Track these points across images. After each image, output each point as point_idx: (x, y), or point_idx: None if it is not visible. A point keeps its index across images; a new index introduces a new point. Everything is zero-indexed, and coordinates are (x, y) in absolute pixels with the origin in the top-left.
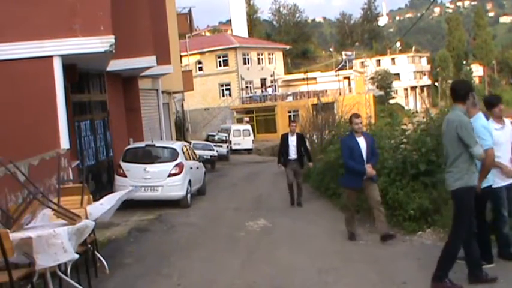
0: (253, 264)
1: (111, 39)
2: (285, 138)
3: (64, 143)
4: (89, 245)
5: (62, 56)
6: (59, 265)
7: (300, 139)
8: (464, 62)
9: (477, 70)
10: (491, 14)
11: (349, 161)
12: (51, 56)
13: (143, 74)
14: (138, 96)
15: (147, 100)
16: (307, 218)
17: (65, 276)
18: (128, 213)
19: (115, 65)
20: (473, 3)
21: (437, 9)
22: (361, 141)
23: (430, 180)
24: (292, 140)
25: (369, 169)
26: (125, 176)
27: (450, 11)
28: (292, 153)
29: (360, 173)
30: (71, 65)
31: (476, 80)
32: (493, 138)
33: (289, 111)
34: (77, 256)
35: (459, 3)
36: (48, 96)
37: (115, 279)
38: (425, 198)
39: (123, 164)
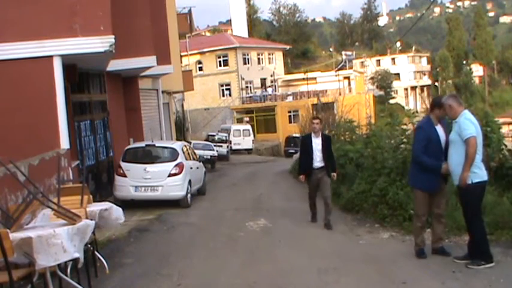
0: (253, 264)
1: (111, 39)
2: (307, 141)
3: (64, 143)
4: (89, 245)
5: (62, 56)
6: (58, 265)
7: (327, 141)
8: (464, 62)
9: (477, 70)
10: (491, 14)
11: (423, 156)
12: (51, 56)
13: (143, 74)
14: (138, 96)
15: (147, 100)
16: (307, 218)
17: (65, 276)
18: (128, 213)
19: (115, 65)
20: (473, 3)
21: (437, 9)
22: (440, 131)
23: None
24: (317, 143)
25: (446, 166)
26: (125, 176)
27: (450, 11)
28: (317, 160)
29: (437, 172)
30: (71, 65)
31: (476, 80)
32: (476, 129)
33: (289, 111)
34: (77, 256)
35: (459, 3)
36: (48, 96)
37: (115, 279)
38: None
39: (123, 164)
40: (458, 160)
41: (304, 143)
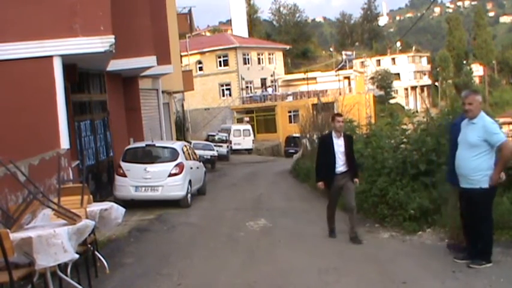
0: (253, 264)
1: (111, 39)
2: (327, 141)
3: (64, 142)
4: (89, 245)
5: (62, 56)
6: (59, 265)
7: (350, 142)
8: (465, 62)
9: (477, 70)
10: (491, 13)
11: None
12: (51, 56)
13: (143, 74)
14: (138, 96)
15: (147, 100)
16: (307, 218)
17: (65, 276)
18: (128, 213)
19: (115, 64)
20: (473, 3)
21: (437, 9)
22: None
23: (430, 180)
24: (339, 144)
25: None
26: (125, 175)
27: (450, 10)
28: (340, 164)
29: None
30: (71, 64)
31: (477, 80)
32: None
33: (290, 111)
34: (77, 256)
35: (459, 3)
36: (48, 96)
37: (115, 279)
38: (425, 198)
39: (123, 164)
40: (477, 165)
41: (324, 144)
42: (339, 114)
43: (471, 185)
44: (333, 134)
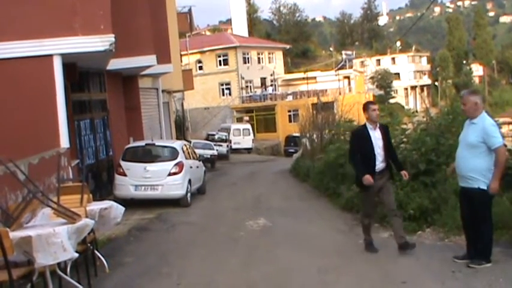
0: (253, 264)
1: (111, 38)
2: (363, 134)
3: (64, 141)
4: (89, 244)
5: (62, 55)
6: (58, 264)
7: (387, 133)
8: (464, 62)
9: (477, 70)
10: (491, 13)
11: None
12: (51, 55)
13: (143, 73)
14: (138, 95)
15: (147, 99)
16: (307, 218)
17: (64, 275)
18: (128, 212)
19: (115, 63)
20: (473, 2)
21: (437, 9)
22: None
23: (430, 179)
24: (377, 137)
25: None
26: (124, 175)
27: (450, 10)
28: (380, 160)
29: None
30: (71, 63)
31: (476, 80)
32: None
33: (289, 111)
34: (76, 255)
35: (459, 3)
36: (48, 95)
37: (115, 278)
38: (425, 198)
39: (123, 163)
40: (475, 165)
41: (361, 138)
42: (372, 102)
43: (469, 184)
44: (368, 125)
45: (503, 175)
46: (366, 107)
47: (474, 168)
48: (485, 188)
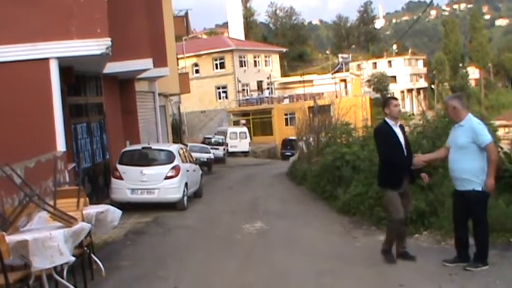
0: (250, 267)
1: (107, 41)
2: (389, 131)
3: (60, 145)
4: (85, 248)
5: (59, 59)
6: (55, 267)
7: (404, 131)
8: (461, 65)
9: (473, 73)
10: (487, 16)
11: None
12: (47, 59)
13: (140, 76)
14: (134, 99)
15: (143, 102)
16: (304, 221)
17: (61, 279)
18: (124, 215)
19: (112, 67)
20: (469, 6)
21: (433, 12)
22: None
23: (427, 182)
24: (400, 136)
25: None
26: (121, 178)
27: (446, 13)
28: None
29: None
30: (67, 67)
31: (473, 83)
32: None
33: (286, 114)
34: (73, 259)
35: (455, 6)
36: (45, 98)
37: (111, 281)
38: (422, 201)
39: (119, 167)
40: (468, 166)
41: (388, 135)
42: (394, 97)
43: (464, 187)
44: (389, 121)
45: (499, 178)
46: (387, 102)
47: (467, 169)
48: (480, 189)
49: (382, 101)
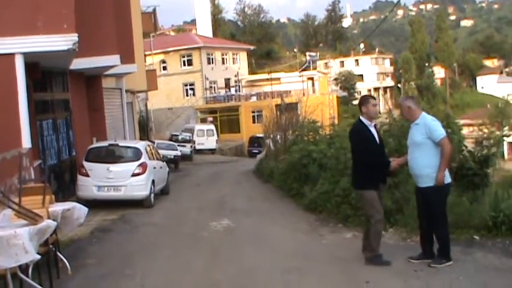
0: (217, 264)
1: (74, 37)
2: (366, 131)
3: (26, 142)
4: (51, 246)
5: (24, 54)
6: (20, 266)
7: (379, 132)
8: (427, 64)
9: (439, 72)
10: (452, 17)
11: None
12: (13, 54)
13: (107, 72)
14: (101, 95)
15: (110, 99)
16: (271, 218)
17: (26, 278)
18: (90, 213)
19: (78, 63)
20: (435, 6)
21: (400, 12)
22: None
23: (393, 180)
24: (376, 136)
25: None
26: (87, 175)
27: (413, 13)
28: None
29: None
30: (33, 62)
31: (438, 82)
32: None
33: (253, 112)
34: (38, 257)
35: (422, 6)
36: (10, 94)
37: (77, 280)
38: (388, 199)
39: (86, 164)
40: (426, 162)
41: (365, 135)
42: (372, 96)
43: (425, 183)
44: (365, 121)
45: (463, 176)
46: (365, 100)
47: (425, 165)
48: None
49: (360, 99)
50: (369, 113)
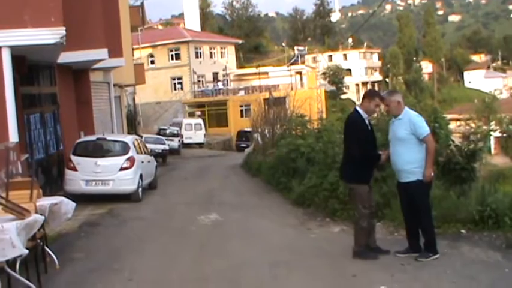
0: (204, 258)
1: (62, 30)
2: (362, 123)
3: (13, 136)
4: (39, 240)
5: (11, 47)
6: (7, 261)
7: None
8: (414, 59)
9: (427, 67)
10: (440, 12)
11: None
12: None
13: (94, 66)
14: (89, 89)
15: (98, 93)
16: (259, 212)
17: (13, 272)
18: (78, 207)
19: (66, 57)
20: (423, 1)
21: (388, 7)
22: None
23: (381, 174)
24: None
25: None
26: (75, 169)
27: (401, 8)
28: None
29: None
30: (20, 56)
31: (426, 77)
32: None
33: (241, 106)
34: (26, 251)
35: (410, 1)
36: None
37: (65, 274)
38: (376, 193)
39: (73, 158)
40: (409, 157)
41: (362, 127)
42: (380, 97)
43: (408, 178)
44: (362, 114)
45: (450, 170)
46: (372, 96)
47: (409, 161)
48: (421, 179)
49: (368, 92)
50: (368, 109)
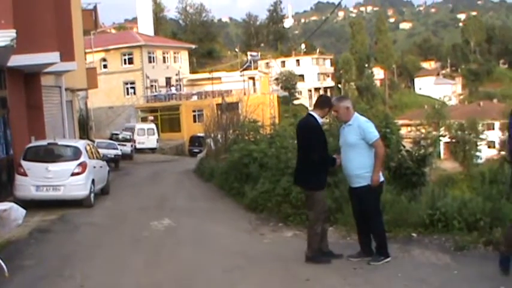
0: (158, 264)
1: (12, 33)
2: (320, 129)
3: None
4: None
5: None
6: None
7: None
8: (366, 65)
9: (378, 73)
10: (392, 20)
11: None
12: None
13: (46, 70)
14: (40, 93)
15: (49, 97)
16: (212, 217)
17: None
18: (29, 213)
19: (16, 60)
20: (375, 9)
21: (341, 13)
22: None
23: (333, 179)
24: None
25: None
26: (25, 175)
27: (353, 15)
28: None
29: None
30: None
31: (378, 83)
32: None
33: (194, 111)
34: None
35: (362, 8)
36: None
37: (15, 282)
38: (328, 197)
39: (23, 163)
40: (359, 163)
41: (320, 132)
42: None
43: (359, 183)
44: (318, 119)
45: (402, 175)
46: (324, 104)
47: (359, 166)
48: (370, 183)
49: (319, 99)
50: (324, 114)
